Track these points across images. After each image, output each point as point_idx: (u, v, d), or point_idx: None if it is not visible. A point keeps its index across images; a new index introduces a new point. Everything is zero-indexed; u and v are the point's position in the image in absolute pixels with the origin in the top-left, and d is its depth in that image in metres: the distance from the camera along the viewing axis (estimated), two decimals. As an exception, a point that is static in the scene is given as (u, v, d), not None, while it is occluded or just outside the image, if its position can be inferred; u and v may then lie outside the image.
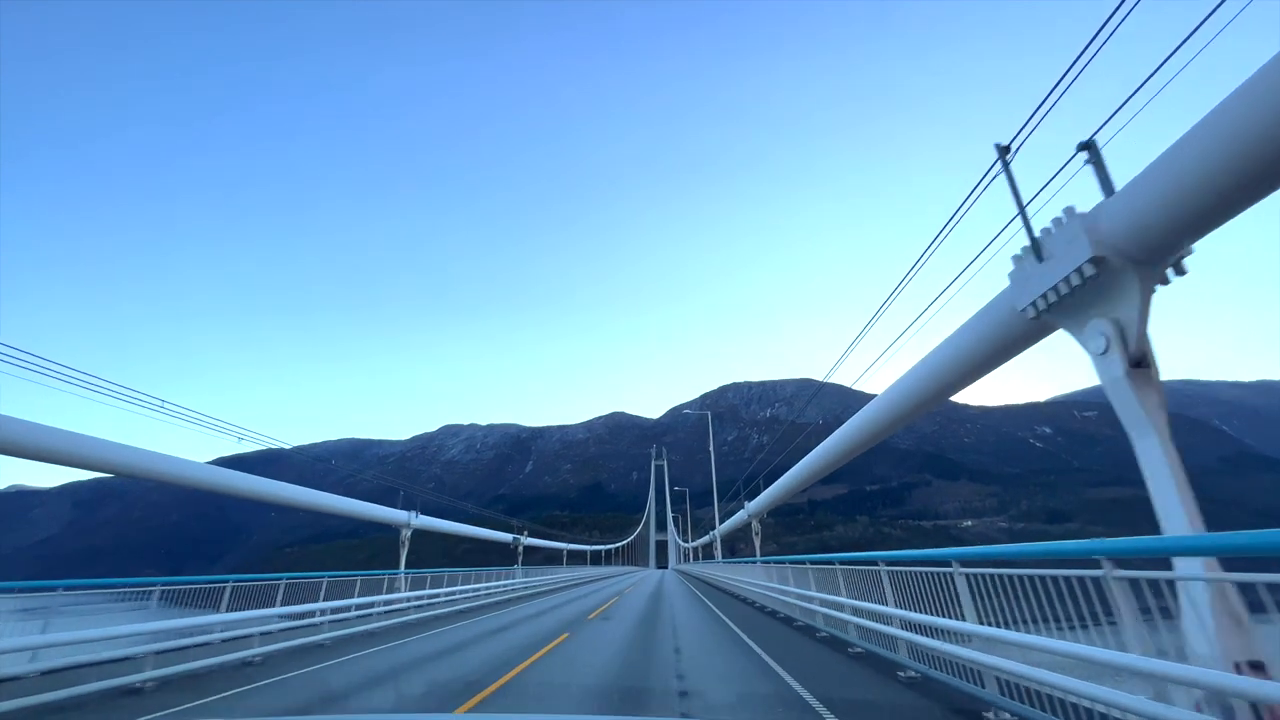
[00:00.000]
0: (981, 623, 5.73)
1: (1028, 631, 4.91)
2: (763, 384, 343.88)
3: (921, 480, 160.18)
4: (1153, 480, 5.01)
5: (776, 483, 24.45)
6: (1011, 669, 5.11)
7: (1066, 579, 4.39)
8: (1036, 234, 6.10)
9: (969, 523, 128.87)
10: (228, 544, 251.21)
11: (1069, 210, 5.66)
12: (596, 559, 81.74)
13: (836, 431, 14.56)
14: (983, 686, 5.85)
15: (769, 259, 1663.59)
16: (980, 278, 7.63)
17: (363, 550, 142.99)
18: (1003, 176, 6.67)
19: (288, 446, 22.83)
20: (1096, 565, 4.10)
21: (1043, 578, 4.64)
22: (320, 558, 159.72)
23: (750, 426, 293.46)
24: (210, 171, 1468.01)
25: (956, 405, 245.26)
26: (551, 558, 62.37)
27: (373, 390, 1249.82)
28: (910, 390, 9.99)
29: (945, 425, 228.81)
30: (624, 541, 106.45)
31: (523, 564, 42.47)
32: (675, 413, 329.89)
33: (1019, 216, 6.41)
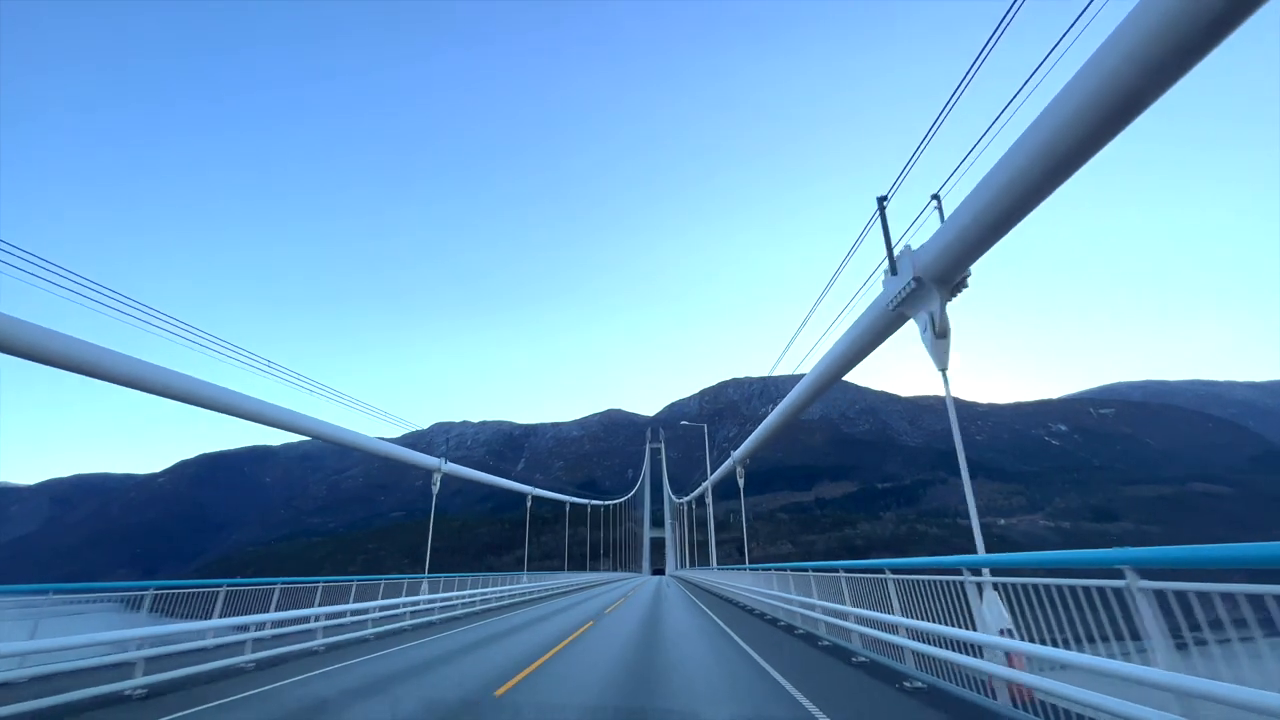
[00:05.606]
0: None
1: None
2: (764, 379, 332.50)
3: (937, 478, 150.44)
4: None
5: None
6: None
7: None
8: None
9: (1004, 521, 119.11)
10: (205, 543, 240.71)
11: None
12: (595, 553, 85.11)
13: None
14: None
15: (773, 253, 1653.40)
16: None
17: (322, 548, 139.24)
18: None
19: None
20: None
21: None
22: (283, 555, 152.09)
23: (751, 423, 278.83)
24: (185, 161, 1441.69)
25: (964, 402, 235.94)
26: (530, 560, 56.45)
27: (364, 386, 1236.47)
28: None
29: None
30: (620, 499, 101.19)
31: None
32: (673, 409, 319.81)
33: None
